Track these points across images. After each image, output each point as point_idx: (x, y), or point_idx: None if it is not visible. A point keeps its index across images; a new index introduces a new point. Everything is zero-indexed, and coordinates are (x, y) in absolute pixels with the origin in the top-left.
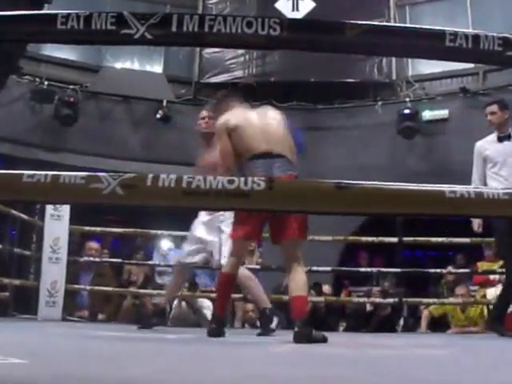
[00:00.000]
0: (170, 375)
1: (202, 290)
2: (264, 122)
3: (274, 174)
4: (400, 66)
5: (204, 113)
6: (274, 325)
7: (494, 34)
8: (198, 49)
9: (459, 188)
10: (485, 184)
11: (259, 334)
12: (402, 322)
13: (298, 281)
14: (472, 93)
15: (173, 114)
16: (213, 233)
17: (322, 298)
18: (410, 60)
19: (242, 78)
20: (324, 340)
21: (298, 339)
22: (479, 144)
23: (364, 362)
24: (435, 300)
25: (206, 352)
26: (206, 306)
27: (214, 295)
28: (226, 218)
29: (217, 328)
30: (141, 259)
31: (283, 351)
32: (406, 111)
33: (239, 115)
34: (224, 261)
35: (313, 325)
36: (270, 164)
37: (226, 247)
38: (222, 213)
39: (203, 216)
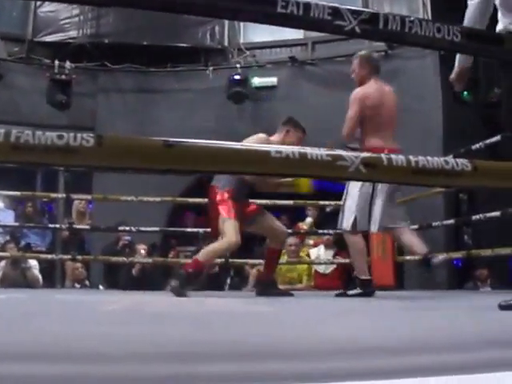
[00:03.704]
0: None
1: (32, 250)
2: None
3: None
4: (232, 33)
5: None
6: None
7: (325, 3)
8: (32, 6)
9: (284, 148)
10: None
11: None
12: (228, 280)
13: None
14: (300, 62)
15: (5, 72)
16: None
17: (149, 259)
18: (242, 28)
19: (76, 38)
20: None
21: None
22: None
23: (193, 319)
24: (261, 261)
25: (37, 311)
26: (33, 266)
27: (43, 256)
28: None
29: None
30: None
31: (114, 310)
32: (236, 77)
33: None
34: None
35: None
36: None
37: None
38: None
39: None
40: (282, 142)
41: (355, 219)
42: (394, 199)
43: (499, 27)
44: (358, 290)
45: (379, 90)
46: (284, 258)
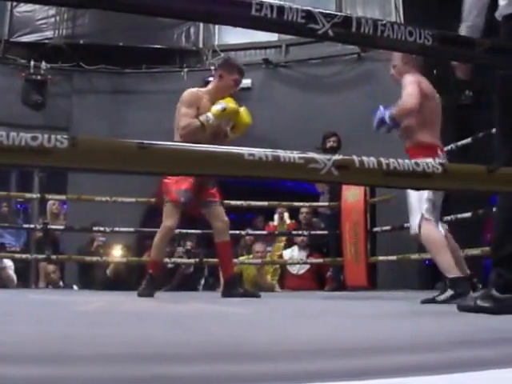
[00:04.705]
0: None
1: (7, 250)
2: None
3: None
4: (207, 35)
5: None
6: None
7: (298, 7)
8: (8, 6)
9: (257, 151)
10: None
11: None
12: (202, 281)
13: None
14: (274, 64)
15: None
16: None
17: (124, 259)
18: (216, 30)
19: (52, 38)
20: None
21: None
22: None
23: (168, 319)
24: (235, 260)
25: (10, 310)
26: (9, 266)
27: (18, 255)
28: None
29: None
30: None
31: (88, 311)
32: (210, 78)
33: None
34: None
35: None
36: None
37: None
38: None
39: None
40: (216, 88)
41: (422, 215)
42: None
43: (496, 13)
44: (448, 293)
45: (427, 81)
46: (249, 257)
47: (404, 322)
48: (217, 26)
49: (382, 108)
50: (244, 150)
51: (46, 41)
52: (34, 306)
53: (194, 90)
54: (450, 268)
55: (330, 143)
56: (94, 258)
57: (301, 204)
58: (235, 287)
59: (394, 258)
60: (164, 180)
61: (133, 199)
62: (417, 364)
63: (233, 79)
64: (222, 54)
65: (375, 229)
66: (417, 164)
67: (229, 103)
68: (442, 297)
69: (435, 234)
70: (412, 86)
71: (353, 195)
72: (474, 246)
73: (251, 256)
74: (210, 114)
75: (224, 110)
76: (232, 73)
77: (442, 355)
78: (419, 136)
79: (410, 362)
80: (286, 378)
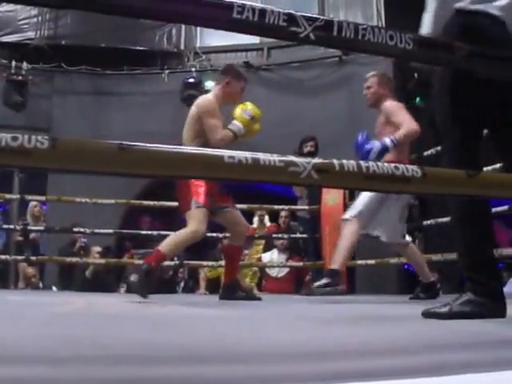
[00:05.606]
0: None
1: None
2: None
3: None
4: (189, 36)
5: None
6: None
7: (280, 10)
8: None
9: (237, 153)
10: None
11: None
12: (182, 283)
13: (168, 238)
14: (255, 67)
15: None
16: None
17: (103, 260)
18: (198, 32)
19: (34, 39)
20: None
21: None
22: None
23: (147, 321)
24: (213, 263)
25: None
26: None
27: None
28: None
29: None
30: None
31: (65, 312)
32: (191, 80)
33: None
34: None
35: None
36: None
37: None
38: None
39: None
40: (223, 95)
41: (360, 212)
42: (404, 215)
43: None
44: (324, 281)
45: None
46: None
47: (384, 325)
48: (198, 28)
49: (374, 142)
50: (224, 153)
51: (28, 41)
52: (11, 307)
53: (211, 97)
54: (340, 262)
55: (308, 148)
56: (74, 259)
57: (281, 207)
58: (236, 291)
59: (372, 262)
60: (194, 182)
61: (112, 201)
62: (403, 367)
63: (240, 86)
64: (204, 57)
65: None
66: (396, 167)
67: (254, 110)
68: (317, 283)
69: (355, 234)
70: (404, 111)
71: (332, 199)
72: (453, 251)
73: None
74: (239, 124)
75: (252, 118)
76: (239, 80)
77: (421, 359)
78: (405, 152)
79: (394, 364)
80: (265, 380)
